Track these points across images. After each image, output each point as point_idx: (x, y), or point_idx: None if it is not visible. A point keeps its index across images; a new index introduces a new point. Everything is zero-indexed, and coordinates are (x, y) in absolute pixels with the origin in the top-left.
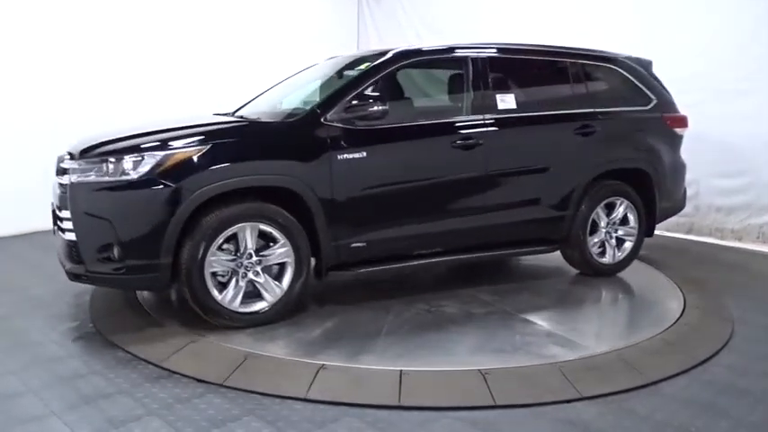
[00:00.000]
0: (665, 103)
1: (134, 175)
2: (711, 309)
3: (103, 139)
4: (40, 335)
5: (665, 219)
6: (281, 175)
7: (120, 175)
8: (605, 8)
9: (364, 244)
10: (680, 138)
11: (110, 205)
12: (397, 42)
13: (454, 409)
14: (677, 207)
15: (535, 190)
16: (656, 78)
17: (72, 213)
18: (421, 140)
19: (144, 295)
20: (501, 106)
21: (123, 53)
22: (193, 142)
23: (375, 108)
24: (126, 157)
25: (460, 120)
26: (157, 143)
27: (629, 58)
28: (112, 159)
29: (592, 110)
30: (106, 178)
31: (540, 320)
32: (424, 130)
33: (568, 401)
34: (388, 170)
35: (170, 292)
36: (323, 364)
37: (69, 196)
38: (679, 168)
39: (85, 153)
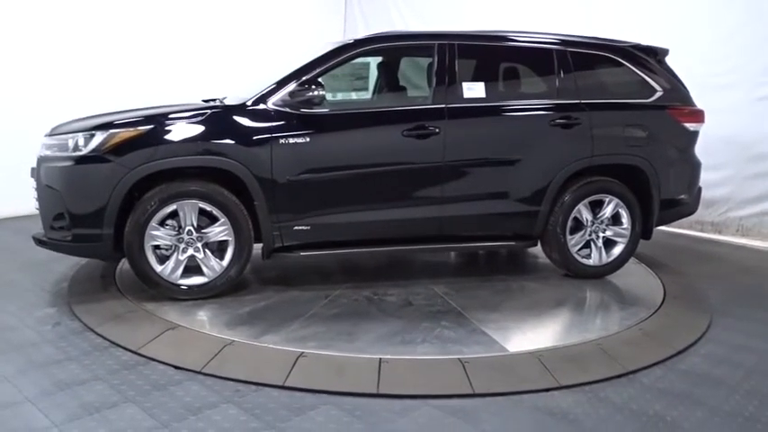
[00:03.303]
0: (674, 95)
1: (84, 151)
2: (690, 300)
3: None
4: (15, 320)
5: (672, 221)
6: (218, 157)
7: (73, 151)
8: None
9: (308, 228)
10: (692, 134)
11: (61, 178)
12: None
13: (431, 397)
14: (685, 210)
15: (502, 183)
16: (668, 69)
17: (36, 185)
18: (368, 127)
19: (123, 281)
20: (467, 95)
21: (116, 42)
22: (138, 123)
23: (313, 93)
24: (79, 135)
25: (415, 108)
26: (107, 122)
27: (635, 46)
28: (69, 136)
29: (575, 101)
30: (62, 153)
31: (477, 317)
32: (372, 118)
33: (546, 390)
34: (331, 156)
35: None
36: (302, 352)
37: (36, 169)
38: (689, 167)
39: (52, 131)
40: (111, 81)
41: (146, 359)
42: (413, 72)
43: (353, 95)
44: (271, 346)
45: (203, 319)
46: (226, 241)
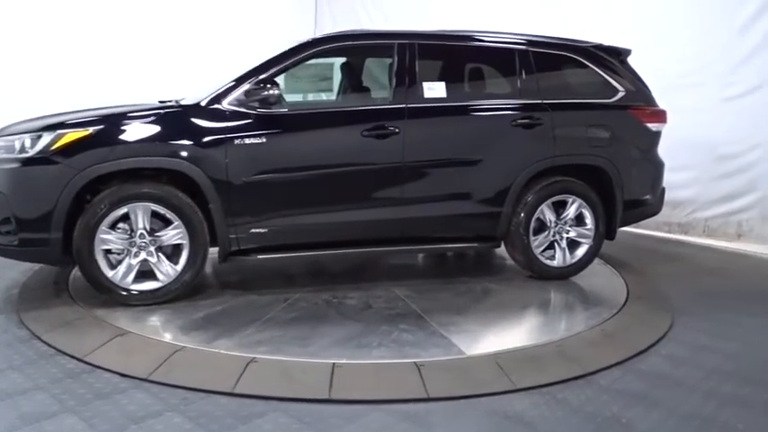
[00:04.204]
0: (636, 96)
1: (30, 153)
2: (653, 300)
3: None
4: None
5: (636, 221)
6: (172, 158)
7: (20, 153)
8: None
9: (265, 230)
10: (654, 134)
11: (7, 180)
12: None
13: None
14: (650, 210)
15: (463, 183)
16: (629, 69)
17: None
18: (326, 128)
19: (76, 287)
20: (428, 95)
21: (81, 43)
22: (88, 124)
23: (268, 93)
24: (26, 136)
25: (375, 108)
26: (55, 123)
27: (598, 46)
28: (16, 138)
29: (537, 101)
30: (8, 155)
31: (437, 320)
32: (330, 118)
33: (503, 393)
34: (288, 157)
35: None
36: (253, 358)
37: None
38: (652, 167)
39: (1, 132)
40: (75, 83)
41: (91, 367)
42: (380, 72)
43: (311, 96)
44: (222, 351)
45: (155, 324)
46: (180, 245)
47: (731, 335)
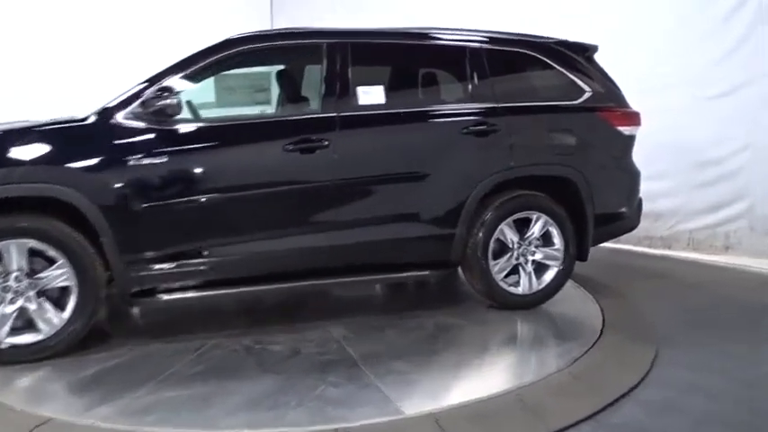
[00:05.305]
0: (606, 96)
1: None
2: (632, 329)
3: None
4: None
5: (611, 238)
6: (53, 185)
7: None
8: None
9: (173, 265)
10: (627, 138)
11: None
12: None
13: None
14: (626, 225)
15: (408, 202)
16: (596, 67)
17: None
18: (241, 143)
19: None
20: (363, 101)
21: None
22: None
23: (167, 102)
24: None
25: (299, 118)
26: None
27: (560, 42)
28: None
29: (491, 105)
30: None
31: (375, 369)
32: (247, 131)
33: None
34: (195, 178)
35: None
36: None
37: None
38: (626, 176)
39: None
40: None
41: None
42: (277, 78)
43: (248, 110)
44: (98, 423)
45: (24, 388)
46: (68, 287)
47: (721, 368)
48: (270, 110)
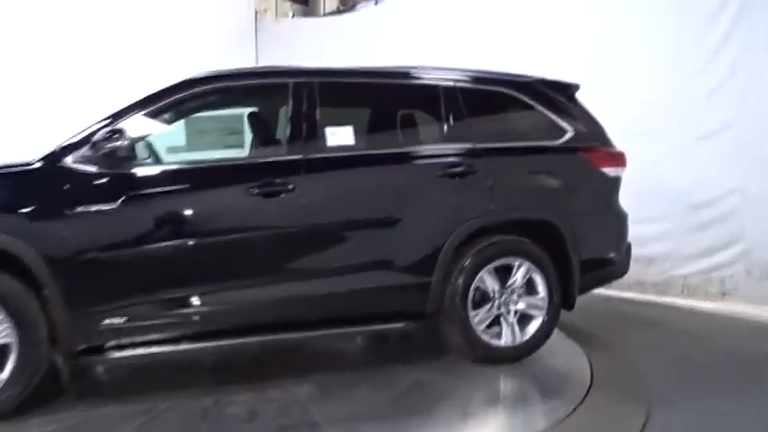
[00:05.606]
0: (588, 136)
1: None
2: (623, 387)
3: None
4: None
5: (599, 285)
6: None
7: None
8: (508, 30)
9: (123, 320)
10: (612, 180)
11: None
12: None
13: None
14: (615, 270)
15: (380, 249)
16: (578, 106)
17: None
18: (200, 188)
19: None
20: (332, 142)
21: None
22: None
23: (117, 144)
24: None
25: (262, 161)
26: None
27: (541, 81)
28: None
29: (468, 145)
30: None
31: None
32: (206, 175)
33: None
34: (148, 225)
35: None
36: None
37: None
38: (613, 219)
39: None
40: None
41: None
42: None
43: (195, 153)
44: None
45: None
46: (6, 345)
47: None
48: (243, 153)
